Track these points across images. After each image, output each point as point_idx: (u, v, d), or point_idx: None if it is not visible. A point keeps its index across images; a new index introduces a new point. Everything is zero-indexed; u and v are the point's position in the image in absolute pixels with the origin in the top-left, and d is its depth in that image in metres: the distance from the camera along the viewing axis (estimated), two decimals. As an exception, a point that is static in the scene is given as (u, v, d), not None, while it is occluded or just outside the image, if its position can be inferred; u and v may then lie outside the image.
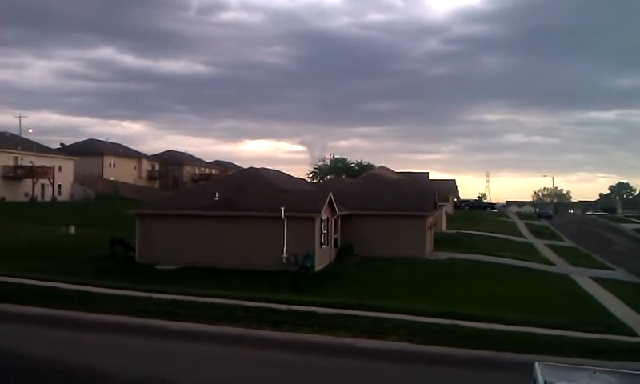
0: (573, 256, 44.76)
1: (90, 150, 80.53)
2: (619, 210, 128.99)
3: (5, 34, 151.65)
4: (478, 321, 18.34)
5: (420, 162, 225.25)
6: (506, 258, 39.56)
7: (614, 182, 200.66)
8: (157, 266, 29.35)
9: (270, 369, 13.73)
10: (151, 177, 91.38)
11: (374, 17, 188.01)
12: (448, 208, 67.96)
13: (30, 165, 62.76)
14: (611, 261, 42.54)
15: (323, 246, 31.59)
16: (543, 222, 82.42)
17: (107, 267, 28.98)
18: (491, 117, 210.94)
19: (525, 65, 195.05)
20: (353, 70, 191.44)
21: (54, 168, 65.05)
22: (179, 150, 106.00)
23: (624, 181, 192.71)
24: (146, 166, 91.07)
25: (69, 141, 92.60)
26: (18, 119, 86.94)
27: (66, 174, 68.60)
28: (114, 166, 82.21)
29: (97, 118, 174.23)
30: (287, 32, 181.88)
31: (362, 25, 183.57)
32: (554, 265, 39.44)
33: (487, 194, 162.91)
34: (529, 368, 9.28)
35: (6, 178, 60.68)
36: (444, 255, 37.97)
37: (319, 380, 13.34)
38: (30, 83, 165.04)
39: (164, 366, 13.52)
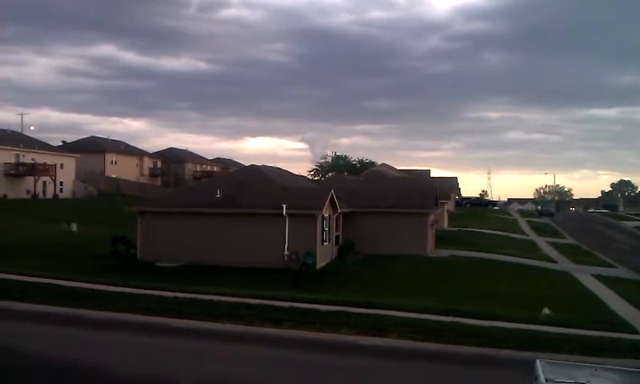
0: (575, 253, 44.80)
1: (92, 147, 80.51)
2: (621, 208, 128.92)
3: (6, 32, 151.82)
4: (480, 318, 18.34)
5: (421, 160, 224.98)
6: (508, 255, 39.59)
7: (615, 179, 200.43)
8: (158, 264, 29.39)
9: (272, 366, 13.75)
10: (153, 174, 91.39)
11: (375, 14, 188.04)
12: (449, 205, 67.94)
13: (32, 162, 62.77)
14: (613, 258, 42.53)
15: (325, 244, 31.61)
16: (545, 220, 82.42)
17: (109, 265, 29.01)
18: (493, 114, 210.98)
19: (526, 62, 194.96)
20: (354, 67, 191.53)
21: (55, 165, 65.03)
22: (181, 148, 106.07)
23: (626, 178, 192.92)
24: (147, 163, 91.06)
25: (70, 138, 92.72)
26: (19, 116, 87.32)
27: (67, 171, 68.62)
28: (115, 163, 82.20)
29: (98, 116, 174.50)
30: (288, 29, 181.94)
31: (362, 22, 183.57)
32: (555, 262, 39.46)
33: (489, 192, 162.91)
34: (530, 365, 9.29)
35: (7, 175, 60.68)
36: (446, 253, 37.97)
37: (321, 377, 13.36)
38: (32, 80, 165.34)
39: (166, 363, 13.55)
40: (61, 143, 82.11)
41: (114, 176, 78.17)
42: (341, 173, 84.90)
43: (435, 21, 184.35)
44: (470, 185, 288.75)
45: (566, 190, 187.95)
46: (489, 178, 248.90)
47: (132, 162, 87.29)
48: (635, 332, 18.62)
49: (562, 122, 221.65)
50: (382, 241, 35.54)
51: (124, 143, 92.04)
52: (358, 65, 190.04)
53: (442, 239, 43.13)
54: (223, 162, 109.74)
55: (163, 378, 12.55)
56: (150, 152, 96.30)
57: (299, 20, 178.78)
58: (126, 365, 13.18)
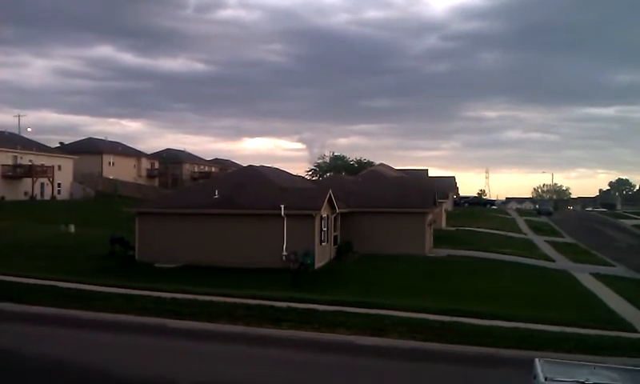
0: (573, 252, 44.86)
1: (90, 148, 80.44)
2: (619, 206, 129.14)
3: (3, 33, 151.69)
4: (479, 317, 18.34)
5: (419, 159, 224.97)
6: (506, 254, 39.61)
7: (613, 178, 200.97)
8: (157, 265, 29.33)
9: (270, 367, 13.72)
10: (150, 175, 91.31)
11: (373, 14, 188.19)
12: (447, 205, 68.00)
13: (30, 164, 62.66)
14: (611, 257, 42.59)
15: (323, 244, 31.60)
16: (543, 219, 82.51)
17: (107, 266, 28.97)
18: (490, 113, 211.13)
19: (523, 61, 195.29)
20: (351, 67, 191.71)
21: (53, 167, 64.95)
22: (178, 149, 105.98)
23: (623, 177, 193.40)
24: (145, 164, 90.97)
25: (68, 139, 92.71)
26: (17, 118, 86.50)
27: (65, 172, 68.52)
28: (113, 164, 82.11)
29: (96, 117, 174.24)
30: (285, 29, 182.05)
31: (360, 22, 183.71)
32: (554, 261, 39.48)
33: (487, 191, 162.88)
34: (529, 364, 9.29)
35: (5, 177, 60.60)
36: (444, 252, 37.98)
37: (320, 377, 13.33)
38: (29, 82, 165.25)
39: (164, 364, 13.51)
40: (58, 145, 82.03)
41: (111, 177, 78.08)
42: (339, 173, 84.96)
43: (433, 20, 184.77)
44: (468, 184, 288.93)
45: (564, 188, 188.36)
46: (487, 177, 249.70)
47: (130, 163, 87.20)
48: (634, 330, 18.63)
49: (560, 121, 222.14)
50: (380, 241, 35.55)
51: (121, 144, 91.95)
52: (355, 65, 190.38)
53: (440, 239, 43.14)
54: (221, 163, 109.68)
55: (161, 379, 12.50)
56: (148, 153, 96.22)
57: (296, 20, 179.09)
58: (124, 366, 13.14)
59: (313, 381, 13.14)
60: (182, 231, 30.70)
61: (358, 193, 39.91)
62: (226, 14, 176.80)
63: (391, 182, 51.44)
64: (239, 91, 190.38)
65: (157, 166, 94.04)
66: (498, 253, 39.88)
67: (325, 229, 31.91)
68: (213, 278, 25.74)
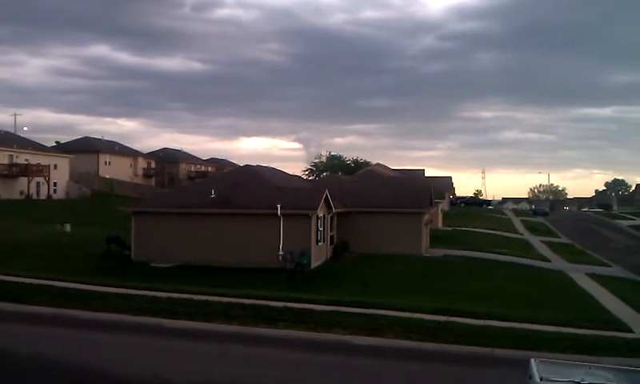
0: (569, 252, 44.94)
1: (86, 147, 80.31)
2: (615, 207, 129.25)
3: (0, 32, 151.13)
4: (474, 317, 18.37)
5: (416, 159, 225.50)
6: (502, 254, 39.66)
7: (609, 178, 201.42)
8: (153, 264, 29.29)
9: (266, 366, 13.72)
10: (147, 174, 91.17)
11: (370, 14, 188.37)
12: (444, 205, 68.04)
13: (26, 163, 62.55)
14: (607, 257, 42.67)
15: (319, 244, 31.59)
16: (539, 219, 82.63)
17: (103, 265, 28.90)
18: (487, 114, 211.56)
19: (520, 61, 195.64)
20: (348, 66, 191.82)
21: (49, 166, 64.78)
22: (175, 148, 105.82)
23: (619, 177, 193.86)
24: (141, 163, 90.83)
25: (64, 139, 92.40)
26: (13, 117, 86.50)
27: (61, 171, 68.36)
28: (109, 163, 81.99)
29: (92, 116, 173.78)
30: (282, 29, 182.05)
31: (357, 22, 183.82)
32: (549, 261, 39.56)
33: (483, 191, 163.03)
34: (525, 364, 9.30)
35: (1, 176, 60.43)
36: (440, 252, 38.01)
37: (316, 377, 13.34)
38: (25, 81, 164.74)
39: (160, 363, 13.50)
40: (55, 144, 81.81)
41: (107, 176, 77.93)
42: (335, 172, 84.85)
43: (429, 20, 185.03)
44: (465, 184, 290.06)
45: (560, 189, 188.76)
46: (483, 178, 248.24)
47: (126, 162, 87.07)
48: (629, 330, 18.68)
49: (557, 122, 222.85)
50: (376, 240, 35.56)
51: (118, 143, 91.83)
52: (352, 64, 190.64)
53: (437, 239, 43.18)
54: (218, 162, 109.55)
55: (157, 379, 12.49)
56: (144, 152, 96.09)
57: (293, 19, 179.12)
58: (120, 365, 13.13)
59: (309, 381, 13.14)
60: (178, 231, 30.66)
61: (355, 193, 39.90)
62: (222, 13, 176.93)
63: (388, 182, 51.47)
64: (236, 90, 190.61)
65: (153, 165, 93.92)
66: (494, 253, 39.94)
67: (321, 228, 31.90)
68: (209, 277, 25.71)
